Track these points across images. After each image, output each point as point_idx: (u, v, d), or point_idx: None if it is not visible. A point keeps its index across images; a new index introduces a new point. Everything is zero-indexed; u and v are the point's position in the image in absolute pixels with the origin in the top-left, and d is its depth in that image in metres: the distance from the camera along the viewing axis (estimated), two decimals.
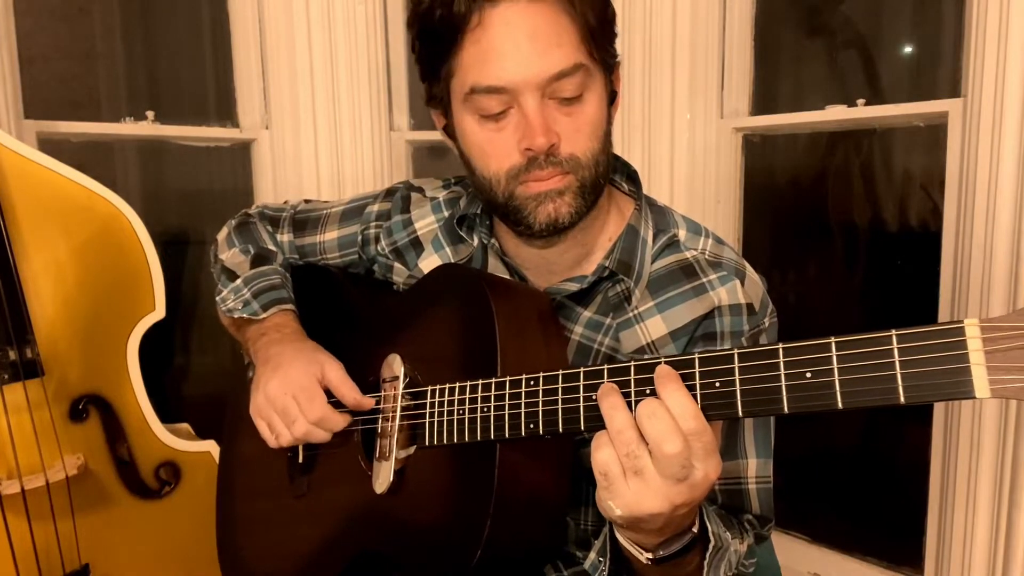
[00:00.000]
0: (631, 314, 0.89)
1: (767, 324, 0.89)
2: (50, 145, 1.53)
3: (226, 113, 1.83)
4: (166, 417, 1.36)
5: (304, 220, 1.14)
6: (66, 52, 1.68)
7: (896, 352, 0.52)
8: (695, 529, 0.69)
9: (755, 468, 0.89)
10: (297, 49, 1.77)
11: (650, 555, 0.68)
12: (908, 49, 1.61)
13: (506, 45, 0.78)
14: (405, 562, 0.84)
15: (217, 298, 1.08)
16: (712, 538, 0.71)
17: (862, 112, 1.55)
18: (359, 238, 1.08)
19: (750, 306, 0.88)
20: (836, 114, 1.59)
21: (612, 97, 0.89)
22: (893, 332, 0.53)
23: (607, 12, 0.83)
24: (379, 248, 1.06)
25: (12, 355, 1.15)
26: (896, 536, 1.65)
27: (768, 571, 1.02)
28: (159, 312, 1.32)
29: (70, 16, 1.68)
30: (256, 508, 1.07)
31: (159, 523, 1.33)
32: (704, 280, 0.89)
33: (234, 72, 1.81)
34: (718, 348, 0.86)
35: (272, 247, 1.14)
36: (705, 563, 0.72)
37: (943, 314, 1.42)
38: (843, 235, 1.74)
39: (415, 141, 1.93)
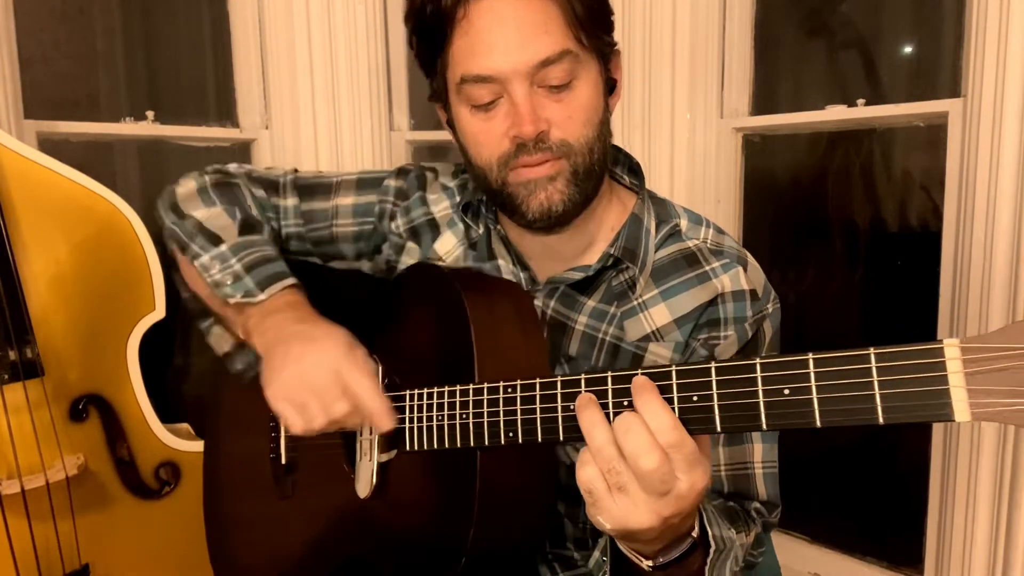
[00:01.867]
0: (635, 302, 0.90)
1: (770, 309, 0.90)
2: (50, 145, 1.53)
3: (226, 113, 1.83)
4: (166, 417, 1.36)
5: (311, 185, 1.06)
6: (66, 52, 1.68)
7: (875, 371, 0.51)
8: (694, 534, 0.69)
9: (761, 452, 0.90)
10: (297, 49, 1.77)
11: (650, 562, 0.68)
12: (908, 49, 1.61)
13: (492, 35, 0.80)
14: (389, 568, 0.84)
15: (196, 263, 0.93)
16: (713, 543, 0.71)
17: (862, 112, 1.55)
18: (376, 208, 1.03)
19: (753, 292, 0.88)
20: (836, 114, 1.59)
21: (612, 86, 0.89)
22: (872, 350, 0.52)
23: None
24: (394, 226, 1.04)
25: (12, 355, 1.15)
26: (896, 536, 1.64)
27: (768, 571, 1.02)
28: (159, 312, 1.31)
29: (70, 16, 1.68)
30: (243, 509, 1.07)
31: (159, 523, 1.33)
32: (707, 268, 0.90)
33: (234, 72, 1.81)
34: (720, 334, 0.87)
35: (256, 214, 1.01)
36: (706, 570, 0.71)
37: (943, 315, 1.42)
38: (843, 235, 1.74)
39: (415, 141, 1.93)
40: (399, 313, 0.91)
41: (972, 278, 1.35)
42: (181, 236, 0.96)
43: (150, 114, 1.69)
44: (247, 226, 0.97)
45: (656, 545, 0.67)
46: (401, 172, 1.05)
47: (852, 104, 1.56)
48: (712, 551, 0.71)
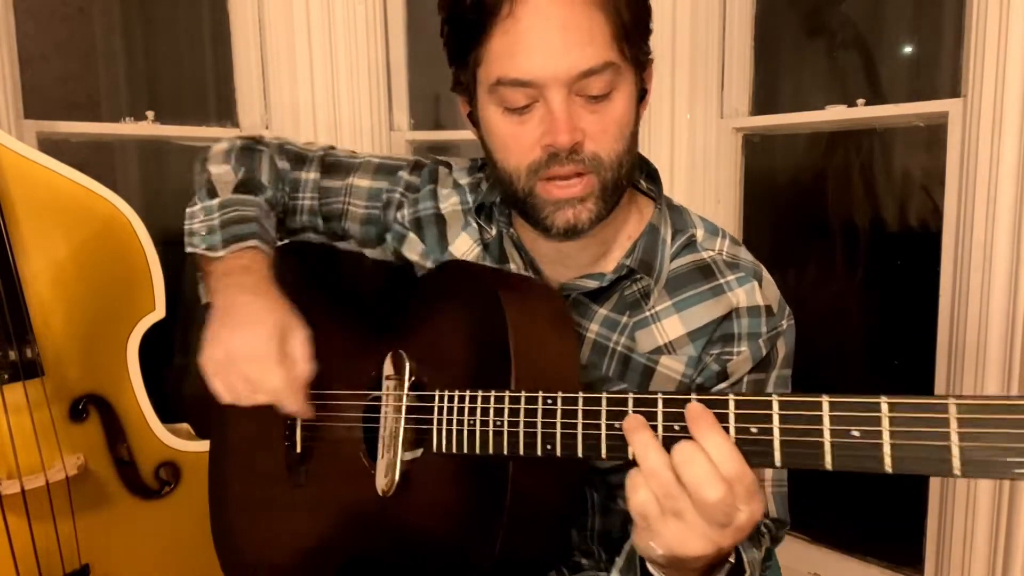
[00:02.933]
0: (648, 313, 0.89)
1: (785, 326, 0.88)
2: (50, 145, 1.53)
3: (226, 113, 1.83)
4: (166, 417, 1.36)
5: (335, 163, 1.06)
6: (66, 52, 1.68)
7: (954, 422, 0.50)
8: (732, 559, 0.67)
9: (773, 472, 0.89)
10: (297, 49, 1.77)
11: None
12: (908, 49, 1.61)
13: (536, 38, 0.77)
14: (400, 567, 0.83)
15: (187, 210, 0.98)
16: (748, 568, 0.70)
17: (862, 112, 1.55)
18: (384, 196, 1.03)
19: (768, 308, 0.87)
20: (836, 114, 1.59)
21: (642, 95, 0.87)
22: (951, 400, 0.50)
23: (642, 9, 0.82)
24: (399, 215, 1.02)
25: (12, 355, 1.15)
26: (896, 536, 1.65)
27: (768, 571, 1.02)
28: (159, 312, 1.31)
29: (70, 16, 1.69)
30: (252, 495, 1.05)
31: (159, 523, 1.33)
32: (722, 281, 0.88)
33: (234, 72, 1.81)
34: (733, 349, 0.86)
35: (265, 181, 1.03)
36: None
37: (943, 315, 1.42)
38: (843, 235, 1.74)
39: (415, 141, 1.93)
40: (428, 310, 0.89)
41: (972, 278, 1.35)
42: (194, 187, 1.01)
43: (150, 114, 1.69)
44: (243, 186, 0.99)
45: (698, 574, 0.65)
46: (416, 166, 1.03)
47: (852, 104, 1.56)
48: (747, 575, 0.70)
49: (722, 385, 0.87)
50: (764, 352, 0.86)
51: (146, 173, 1.82)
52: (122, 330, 1.29)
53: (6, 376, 1.15)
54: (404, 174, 1.03)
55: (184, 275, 1.79)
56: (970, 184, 1.34)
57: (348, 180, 1.04)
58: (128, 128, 1.68)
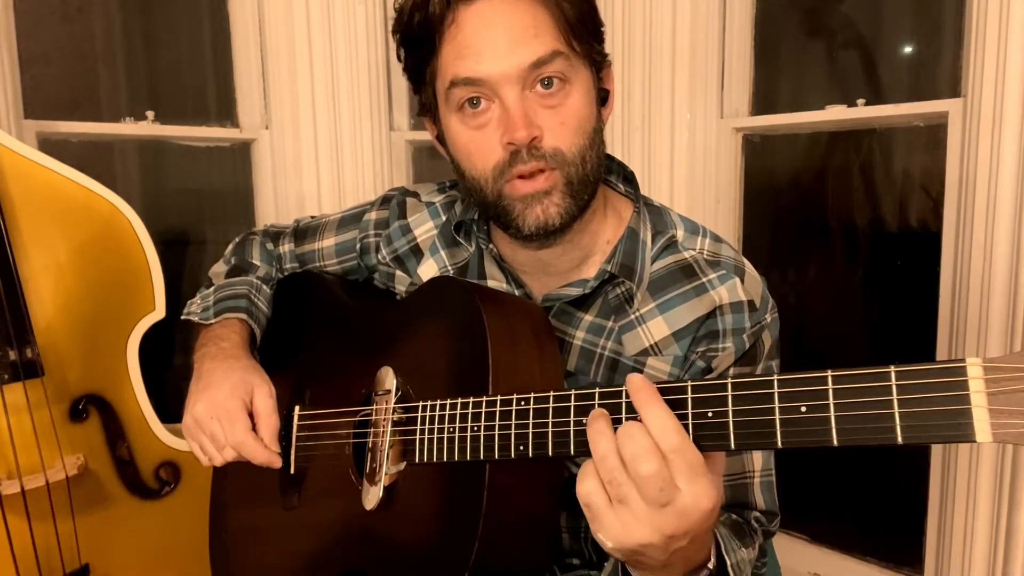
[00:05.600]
0: (632, 316, 0.89)
1: (769, 320, 0.89)
2: (50, 145, 1.53)
3: (226, 113, 1.83)
4: (166, 417, 1.36)
5: (305, 230, 1.16)
6: (66, 52, 1.68)
7: (895, 389, 0.50)
8: (711, 565, 0.67)
9: (760, 461, 0.89)
10: (297, 49, 1.77)
11: None
12: (908, 49, 1.62)
13: (483, 40, 0.79)
14: None
15: (187, 303, 1.11)
16: (732, 572, 0.69)
17: (862, 112, 1.55)
18: (358, 245, 1.08)
19: (751, 303, 0.87)
20: (836, 114, 1.59)
21: (604, 97, 0.88)
22: (892, 368, 0.51)
23: (584, 5, 0.83)
24: (380, 257, 1.06)
25: (12, 355, 1.15)
26: (896, 536, 1.65)
27: (770, 572, 1.02)
28: (159, 312, 1.31)
29: (70, 16, 1.68)
30: (247, 519, 1.06)
31: (159, 523, 1.33)
32: (704, 280, 0.88)
33: (234, 72, 1.81)
34: (718, 346, 0.86)
35: (257, 261, 1.15)
36: None
37: (943, 315, 1.42)
38: (843, 235, 1.74)
39: (415, 141, 1.93)
40: (415, 325, 0.90)
41: (972, 278, 1.35)
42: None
43: (150, 114, 1.69)
44: (235, 270, 1.13)
45: (668, 574, 0.65)
46: (384, 201, 1.08)
47: (852, 104, 1.56)
48: None
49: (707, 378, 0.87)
50: (748, 345, 0.87)
51: (146, 173, 1.82)
52: (122, 330, 1.29)
53: (6, 376, 1.15)
54: (371, 215, 1.07)
55: (184, 275, 1.79)
56: (970, 184, 1.34)
57: (316, 244, 1.13)
58: (128, 128, 1.68)
